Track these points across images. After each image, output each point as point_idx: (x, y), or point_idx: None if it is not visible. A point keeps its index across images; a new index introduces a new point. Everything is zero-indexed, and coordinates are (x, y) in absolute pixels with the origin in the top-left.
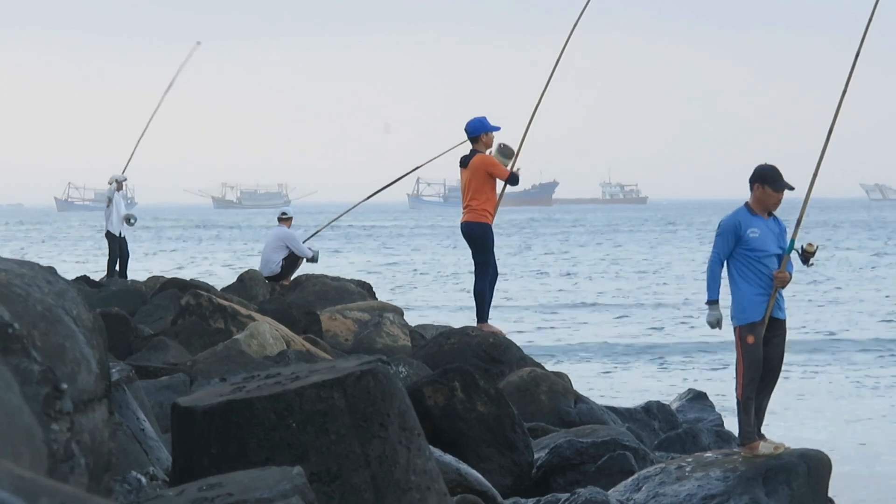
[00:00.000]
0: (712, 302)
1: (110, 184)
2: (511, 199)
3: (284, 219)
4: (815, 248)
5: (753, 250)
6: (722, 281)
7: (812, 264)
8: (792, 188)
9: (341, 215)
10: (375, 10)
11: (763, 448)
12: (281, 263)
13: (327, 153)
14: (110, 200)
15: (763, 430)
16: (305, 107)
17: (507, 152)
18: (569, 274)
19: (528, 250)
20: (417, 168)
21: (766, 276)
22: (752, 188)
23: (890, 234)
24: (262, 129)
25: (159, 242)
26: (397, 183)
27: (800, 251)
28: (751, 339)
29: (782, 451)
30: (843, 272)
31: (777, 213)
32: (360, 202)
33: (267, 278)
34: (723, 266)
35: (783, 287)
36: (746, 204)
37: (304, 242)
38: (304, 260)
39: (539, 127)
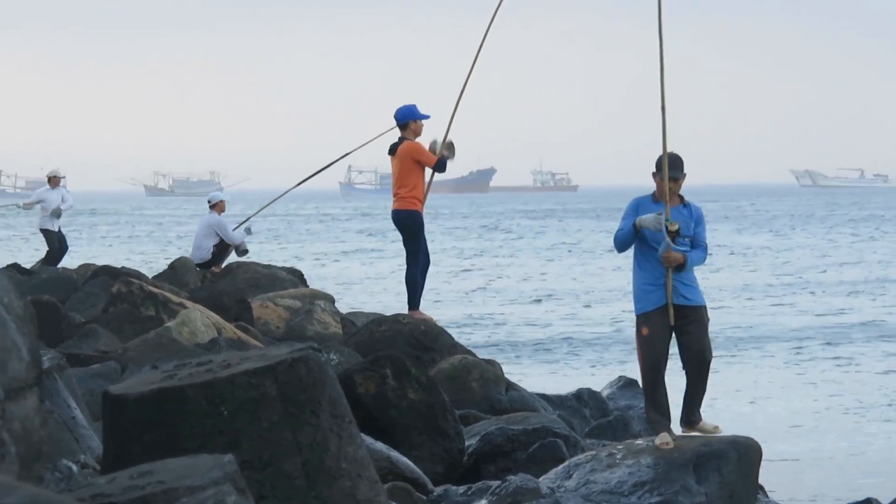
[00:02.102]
0: (635, 225)
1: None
2: (449, 186)
3: (214, 204)
4: (676, 226)
5: (644, 239)
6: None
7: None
8: (675, 178)
9: (271, 202)
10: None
11: (658, 439)
12: (212, 250)
13: (260, 140)
14: (40, 201)
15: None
16: (237, 93)
17: (451, 148)
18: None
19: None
20: (347, 154)
21: (660, 265)
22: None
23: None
24: (195, 116)
25: (91, 230)
26: (328, 170)
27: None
28: (645, 331)
29: (669, 448)
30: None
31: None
32: (290, 189)
33: (197, 265)
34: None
35: (672, 267)
36: (654, 192)
37: (234, 230)
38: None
39: (477, 113)
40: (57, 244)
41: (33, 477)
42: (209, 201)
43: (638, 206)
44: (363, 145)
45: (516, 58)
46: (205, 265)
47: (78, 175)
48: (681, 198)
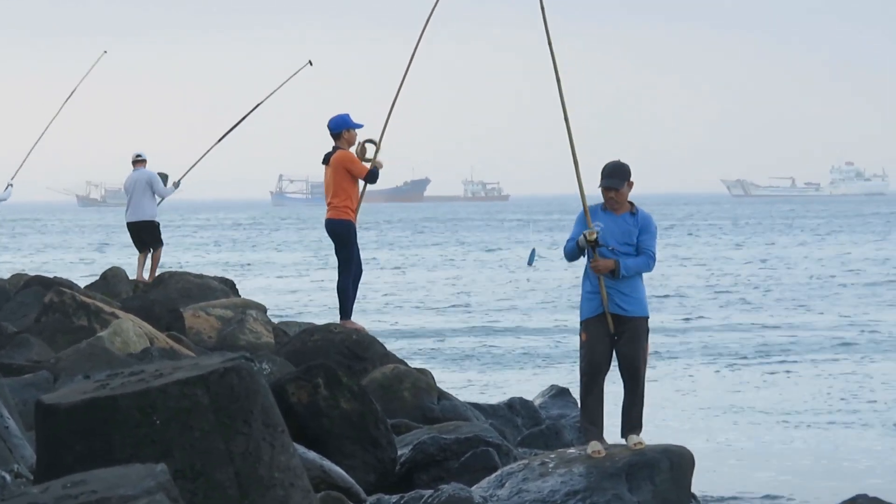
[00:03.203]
0: (580, 242)
1: None
2: (383, 195)
3: (142, 160)
4: (594, 234)
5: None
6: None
7: (598, 248)
8: (613, 187)
9: (196, 162)
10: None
11: (590, 448)
12: (156, 206)
13: (189, 150)
14: None
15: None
16: (170, 103)
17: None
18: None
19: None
20: (260, 104)
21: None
22: None
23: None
24: (127, 125)
25: (20, 239)
26: (259, 178)
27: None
28: (583, 337)
29: (600, 456)
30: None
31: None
32: (212, 146)
33: (138, 223)
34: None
35: (604, 274)
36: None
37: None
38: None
39: (411, 124)
40: None
41: None
42: (138, 157)
43: (582, 217)
44: (274, 91)
45: (448, 69)
46: (147, 225)
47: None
48: (631, 205)
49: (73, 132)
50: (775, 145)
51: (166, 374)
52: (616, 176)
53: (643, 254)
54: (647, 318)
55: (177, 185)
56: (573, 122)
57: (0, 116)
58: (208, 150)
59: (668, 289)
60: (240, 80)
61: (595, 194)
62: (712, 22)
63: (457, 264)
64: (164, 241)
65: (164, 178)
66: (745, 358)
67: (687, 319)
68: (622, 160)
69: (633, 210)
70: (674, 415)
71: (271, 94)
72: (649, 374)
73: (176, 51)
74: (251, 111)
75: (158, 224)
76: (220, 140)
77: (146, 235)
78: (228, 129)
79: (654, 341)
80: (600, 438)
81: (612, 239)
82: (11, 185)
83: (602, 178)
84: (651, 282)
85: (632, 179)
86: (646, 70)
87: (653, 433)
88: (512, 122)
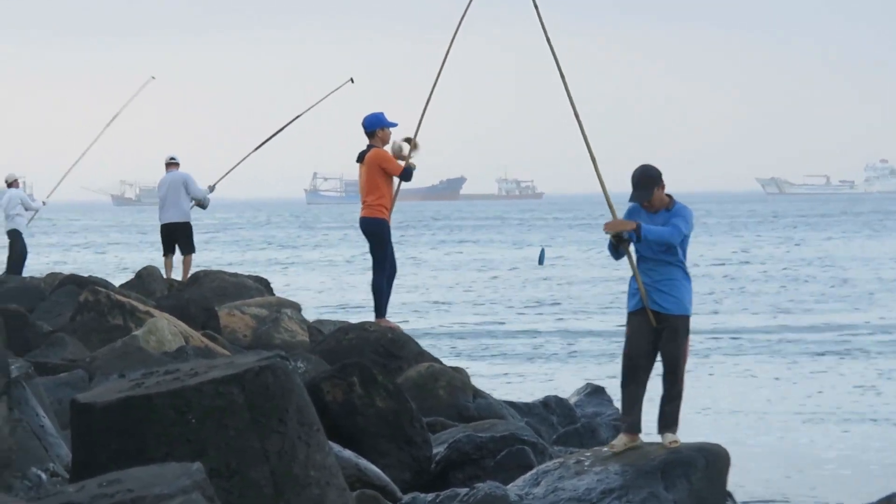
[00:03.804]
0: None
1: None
2: (419, 194)
3: (175, 163)
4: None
5: (635, 245)
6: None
7: (622, 244)
8: (644, 198)
9: (231, 170)
10: (269, 2)
11: (615, 442)
12: (191, 207)
13: (224, 149)
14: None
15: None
16: (205, 101)
17: (411, 145)
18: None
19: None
20: (299, 116)
21: (643, 270)
22: None
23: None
24: (162, 124)
25: (59, 238)
26: (294, 176)
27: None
28: (627, 330)
29: (617, 451)
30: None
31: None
32: (248, 154)
33: (172, 224)
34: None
35: (616, 232)
36: None
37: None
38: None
39: (447, 122)
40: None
41: (2, 486)
42: (171, 159)
43: (629, 214)
44: (315, 104)
45: (483, 66)
46: (181, 226)
47: (44, 184)
48: (669, 199)
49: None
50: (809, 143)
51: (201, 373)
52: (642, 187)
53: (670, 226)
54: (688, 316)
55: (211, 189)
56: (609, 124)
57: (40, 121)
58: (244, 158)
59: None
60: (280, 85)
61: (628, 191)
62: (749, 23)
63: (491, 263)
64: (196, 244)
65: (211, 189)
66: (782, 356)
67: (716, 314)
68: (650, 164)
69: (669, 206)
70: (708, 413)
71: (310, 107)
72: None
73: (213, 51)
74: (289, 123)
75: (191, 227)
76: (256, 149)
77: (179, 237)
78: (266, 139)
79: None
80: (627, 433)
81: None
82: (45, 203)
83: (632, 190)
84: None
85: (660, 182)
86: (679, 71)
87: (687, 431)
88: (546, 120)
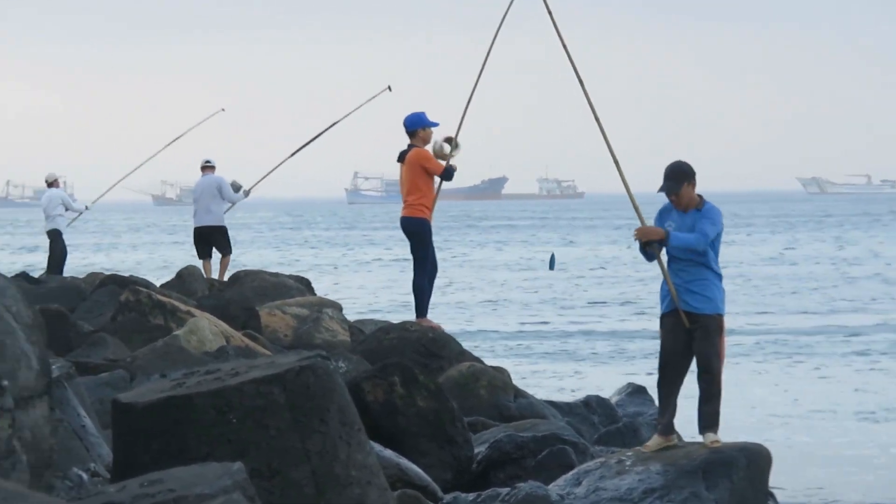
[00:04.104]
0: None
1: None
2: (461, 194)
3: (210, 166)
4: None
5: (667, 248)
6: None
7: (651, 247)
8: (672, 191)
9: (267, 175)
10: (314, 2)
11: (649, 442)
12: (224, 211)
13: (269, 149)
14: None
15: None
16: (244, 100)
17: (455, 145)
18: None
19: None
20: (334, 124)
21: (674, 270)
22: None
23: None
24: (202, 124)
25: (100, 238)
26: (334, 175)
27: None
28: (661, 332)
29: (647, 451)
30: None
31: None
32: (284, 160)
33: (206, 227)
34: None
35: (640, 239)
36: None
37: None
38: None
39: (488, 122)
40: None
41: (44, 485)
42: (206, 163)
43: (660, 214)
44: (352, 112)
45: (525, 65)
46: (216, 230)
47: (85, 184)
48: (700, 200)
49: (149, 132)
50: (851, 142)
51: (242, 373)
52: (672, 179)
53: (696, 231)
54: (720, 315)
55: (247, 193)
56: (648, 123)
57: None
58: (280, 164)
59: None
60: (319, 86)
61: (649, 193)
62: (787, 21)
63: (532, 262)
64: (238, 243)
65: (238, 188)
66: (822, 356)
67: (761, 314)
68: (684, 161)
69: (699, 205)
70: (750, 413)
71: (347, 114)
72: (726, 372)
73: (256, 52)
74: (325, 130)
75: (226, 229)
76: (291, 155)
77: (215, 240)
78: (301, 146)
79: (740, 339)
80: (663, 433)
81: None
82: (88, 208)
83: (665, 181)
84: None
85: (691, 179)
86: (720, 69)
87: (729, 431)
88: (587, 119)
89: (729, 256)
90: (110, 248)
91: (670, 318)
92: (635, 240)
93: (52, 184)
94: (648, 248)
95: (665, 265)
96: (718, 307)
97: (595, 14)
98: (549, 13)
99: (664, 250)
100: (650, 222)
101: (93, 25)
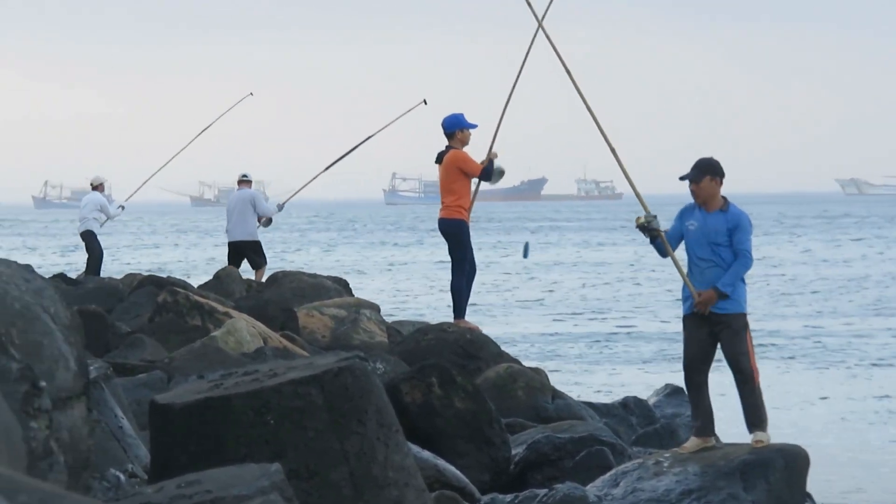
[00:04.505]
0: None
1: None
2: (500, 195)
3: (246, 181)
4: (641, 219)
5: (687, 245)
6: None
7: (654, 232)
8: (690, 178)
9: (302, 188)
10: (347, 5)
11: (687, 444)
12: (257, 226)
13: (308, 151)
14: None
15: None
16: (287, 103)
17: (501, 175)
18: (531, 275)
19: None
20: (369, 138)
21: (695, 272)
22: None
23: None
24: (240, 125)
25: (137, 238)
26: (372, 177)
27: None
28: (684, 334)
29: (683, 452)
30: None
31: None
32: (316, 175)
33: (240, 242)
34: (675, 242)
35: (701, 310)
36: None
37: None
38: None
39: (527, 123)
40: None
41: (81, 486)
42: (243, 177)
43: (681, 213)
44: (385, 127)
45: (560, 67)
46: (248, 245)
47: (127, 184)
48: (724, 201)
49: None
50: (890, 143)
51: (280, 374)
52: (697, 168)
53: (738, 255)
54: (744, 314)
55: (280, 207)
56: (685, 123)
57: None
58: (314, 178)
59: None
60: (353, 78)
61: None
62: (826, 21)
63: (568, 264)
64: (276, 243)
65: (280, 208)
66: (864, 357)
67: (801, 316)
68: (714, 158)
69: (723, 207)
70: (788, 414)
71: (382, 128)
72: (765, 372)
73: (287, 51)
74: (359, 144)
75: (259, 243)
76: (326, 169)
77: (248, 254)
78: (334, 160)
79: (781, 342)
80: (699, 434)
81: (701, 239)
82: (124, 206)
83: (690, 169)
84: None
85: (716, 176)
86: (759, 70)
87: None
88: (625, 119)
89: (770, 254)
90: (148, 249)
91: (692, 320)
92: (701, 312)
93: (96, 187)
94: (652, 239)
95: (683, 266)
96: (742, 306)
97: (631, 14)
98: (548, 38)
99: (685, 249)
100: (666, 224)
101: (131, 25)
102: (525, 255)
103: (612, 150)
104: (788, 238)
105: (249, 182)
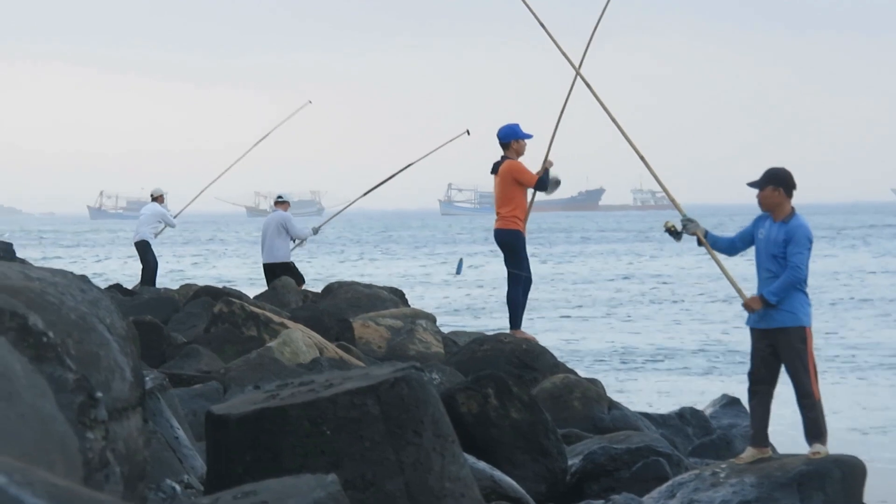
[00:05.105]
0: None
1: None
2: (558, 205)
3: (281, 202)
4: (670, 223)
5: (755, 253)
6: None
7: (679, 234)
8: (754, 185)
9: (341, 210)
10: (397, 12)
11: (743, 454)
12: (289, 249)
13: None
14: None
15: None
16: (342, 113)
17: (557, 185)
18: (587, 282)
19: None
20: (411, 165)
21: (760, 282)
22: None
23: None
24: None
25: (193, 249)
26: (427, 188)
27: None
28: (750, 344)
29: (739, 463)
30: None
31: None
32: (356, 199)
33: (270, 264)
34: (739, 243)
35: (758, 309)
36: None
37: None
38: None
39: (584, 133)
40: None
41: (137, 497)
42: (279, 198)
43: (756, 219)
44: (430, 153)
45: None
46: (282, 266)
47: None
48: (790, 212)
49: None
50: None
51: (336, 385)
52: (763, 176)
53: (788, 267)
54: (803, 327)
55: (316, 231)
56: (744, 130)
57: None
58: (353, 202)
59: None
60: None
61: (747, 204)
62: (883, 32)
63: (625, 273)
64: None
65: (315, 232)
66: None
67: (866, 330)
68: (785, 169)
69: (786, 218)
70: (846, 425)
71: (425, 156)
72: (826, 381)
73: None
74: (402, 170)
75: (292, 264)
76: (364, 195)
77: (282, 275)
78: (373, 186)
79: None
80: (755, 445)
81: (764, 250)
82: (175, 226)
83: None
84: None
85: (779, 186)
86: (816, 80)
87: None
88: (682, 127)
89: (828, 267)
90: (203, 259)
91: (754, 332)
92: (748, 311)
93: (156, 199)
94: (676, 238)
95: (724, 265)
96: (801, 319)
97: (692, 24)
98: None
99: (755, 259)
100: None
101: (195, 33)
102: (458, 272)
103: (641, 157)
104: (849, 248)
105: (285, 203)
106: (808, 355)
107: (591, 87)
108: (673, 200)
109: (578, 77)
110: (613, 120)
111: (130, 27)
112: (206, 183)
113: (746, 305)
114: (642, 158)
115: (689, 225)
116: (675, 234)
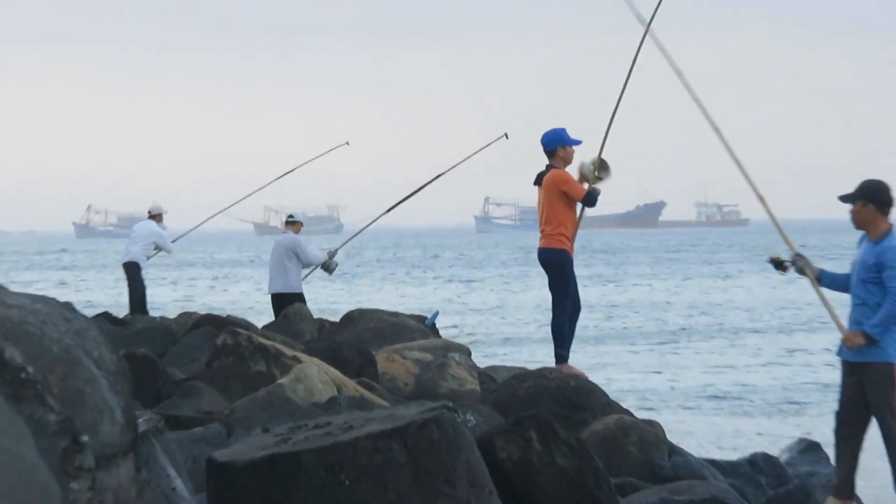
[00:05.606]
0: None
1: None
2: (614, 220)
3: (291, 223)
4: (776, 255)
5: (851, 276)
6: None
7: (785, 268)
8: (848, 199)
9: (361, 231)
10: (422, 17)
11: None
12: (300, 276)
13: (383, 174)
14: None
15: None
16: (359, 124)
17: (601, 167)
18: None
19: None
20: (439, 176)
21: (856, 314)
22: None
23: None
24: (312, 146)
25: (194, 272)
26: (463, 203)
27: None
28: (841, 377)
29: None
30: None
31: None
32: (378, 217)
33: (277, 294)
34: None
35: (857, 345)
36: None
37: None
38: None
39: (642, 141)
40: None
41: None
42: (289, 218)
43: (859, 241)
44: (460, 163)
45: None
46: (290, 297)
47: (183, 212)
48: (886, 230)
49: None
50: None
51: (357, 427)
52: (855, 190)
53: (887, 294)
54: (891, 363)
55: (332, 255)
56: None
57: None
58: (376, 219)
59: None
60: (447, 94)
61: (829, 219)
62: None
63: (687, 299)
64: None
65: (332, 264)
66: None
67: None
68: (882, 183)
69: (880, 237)
70: None
71: (457, 164)
72: None
73: (364, 69)
74: (431, 181)
75: (302, 295)
76: (388, 211)
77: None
78: (400, 200)
79: None
80: (838, 495)
81: (855, 273)
82: (171, 252)
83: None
84: None
85: (869, 201)
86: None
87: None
88: (751, 136)
89: None
90: (205, 283)
91: (844, 366)
92: (847, 347)
93: (154, 217)
94: (781, 271)
95: (825, 294)
96: (888, 355)
97: (768, 26)
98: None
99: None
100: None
101: (196, 43)
102: (431, 323)
103: (738, 163)
104: None
105: (297, 224)
106: (893, 394)
107: (663, 49)
108: (782, 232)
109: (648, 35)
110: (696, 101)
111: (132, 33)
112: (211, 197)
113: (846, 340)
114: (738, 163)
115: (798, 262)
116: (780, 266)
